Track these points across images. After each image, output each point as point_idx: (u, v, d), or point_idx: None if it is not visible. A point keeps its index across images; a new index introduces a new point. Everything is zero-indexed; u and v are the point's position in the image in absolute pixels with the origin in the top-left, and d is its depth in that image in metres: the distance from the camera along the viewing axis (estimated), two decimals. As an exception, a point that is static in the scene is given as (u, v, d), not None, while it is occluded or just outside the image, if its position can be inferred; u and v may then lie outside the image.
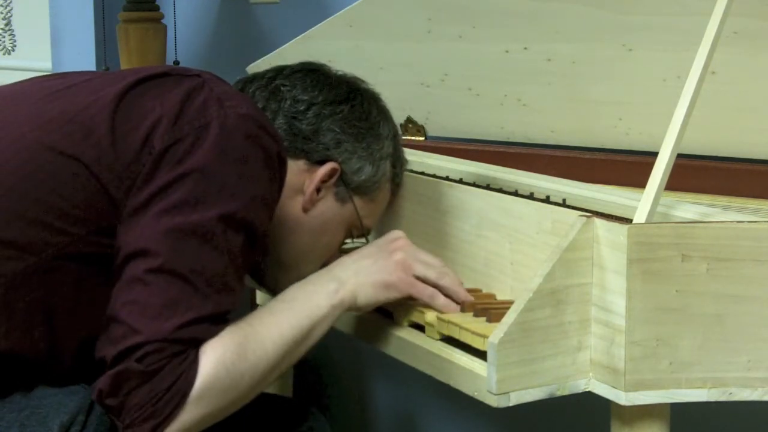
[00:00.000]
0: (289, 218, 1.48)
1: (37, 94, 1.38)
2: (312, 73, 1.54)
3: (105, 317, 1.24)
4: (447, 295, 1.43)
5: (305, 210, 1.49)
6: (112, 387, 1.20)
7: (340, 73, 1.57)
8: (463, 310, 1.40)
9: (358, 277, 1.40)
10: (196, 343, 1.22)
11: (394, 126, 1.60)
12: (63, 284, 1.29)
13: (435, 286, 1.43)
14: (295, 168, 1.47)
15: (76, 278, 1.29)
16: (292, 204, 1.48)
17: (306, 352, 1.34)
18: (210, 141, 1.28)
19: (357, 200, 1.52)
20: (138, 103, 1.32)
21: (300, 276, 1.44)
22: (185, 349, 1.20)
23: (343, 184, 1.50)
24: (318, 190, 1.49)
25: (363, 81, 1.59)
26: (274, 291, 1.51)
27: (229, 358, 1.23)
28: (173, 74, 1.38)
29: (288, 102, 1.49)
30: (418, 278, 1.43)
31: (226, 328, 1.25)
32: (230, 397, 1.24)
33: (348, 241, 1.60)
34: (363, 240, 1.57)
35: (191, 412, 1.21)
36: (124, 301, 1.22)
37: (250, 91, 1.52)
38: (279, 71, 1.54)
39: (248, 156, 1.30)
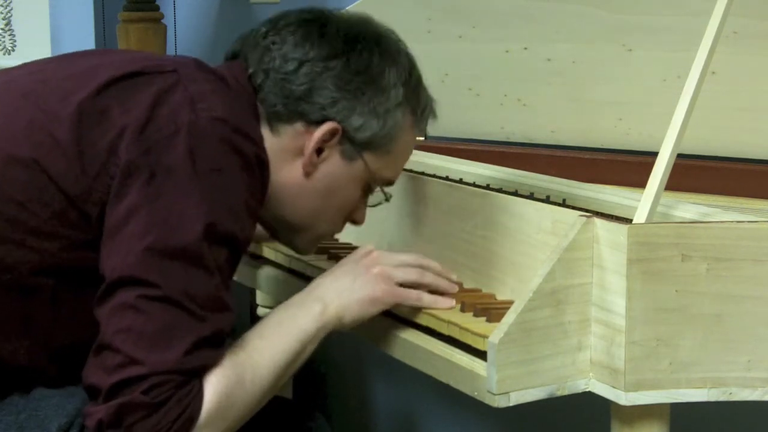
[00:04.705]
0: (290, 183, 1.41)
1: (7, 96, 1.34)
2: (305, 25, 1.41)
3: (95, 344, 1.22)
4: (434, 291, 1.43)
5: (307, 174, 1.41)
6: (116, 418, 1.18)
7: (345, 17, 1.45)
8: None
9: (341, 298, 1.39)
10: (200, 372, 1.22)
11: (409, 68, 1.45)
12: (41, 298, 1.28)
13: (419, 286, 1.43)
14: (291, 131, 1.39)
15: (55, 292, 1.28)
16: (292, 168, 1.40)
17: (296, 370, 1.36)
18: (181, 150, 1.24)
19: (368, 156, 1.42)
20: (104, 111, 1.28)
21: (315, 236, 1.47)
22: (189, 380, 1.21)
23: (349, 142, 1.40)
24: (319, 151, 1.40)
25: (368, 23, 1.45)
26: (294, 249, 1.51)
27: (231, 388, 1.24)
28: (147, 72, 1.33)
29: (277, 61, 1.38)
30: (401, 284, 1.43)
31: (226, 356, 1.25)
32: (231, 423, 1.26)
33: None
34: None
35: None
36: (117, 329, 1.20)
37: (243, 53, 1.43)
38: (274, 24, 1.42)
39: (223, 164, 1.27)
